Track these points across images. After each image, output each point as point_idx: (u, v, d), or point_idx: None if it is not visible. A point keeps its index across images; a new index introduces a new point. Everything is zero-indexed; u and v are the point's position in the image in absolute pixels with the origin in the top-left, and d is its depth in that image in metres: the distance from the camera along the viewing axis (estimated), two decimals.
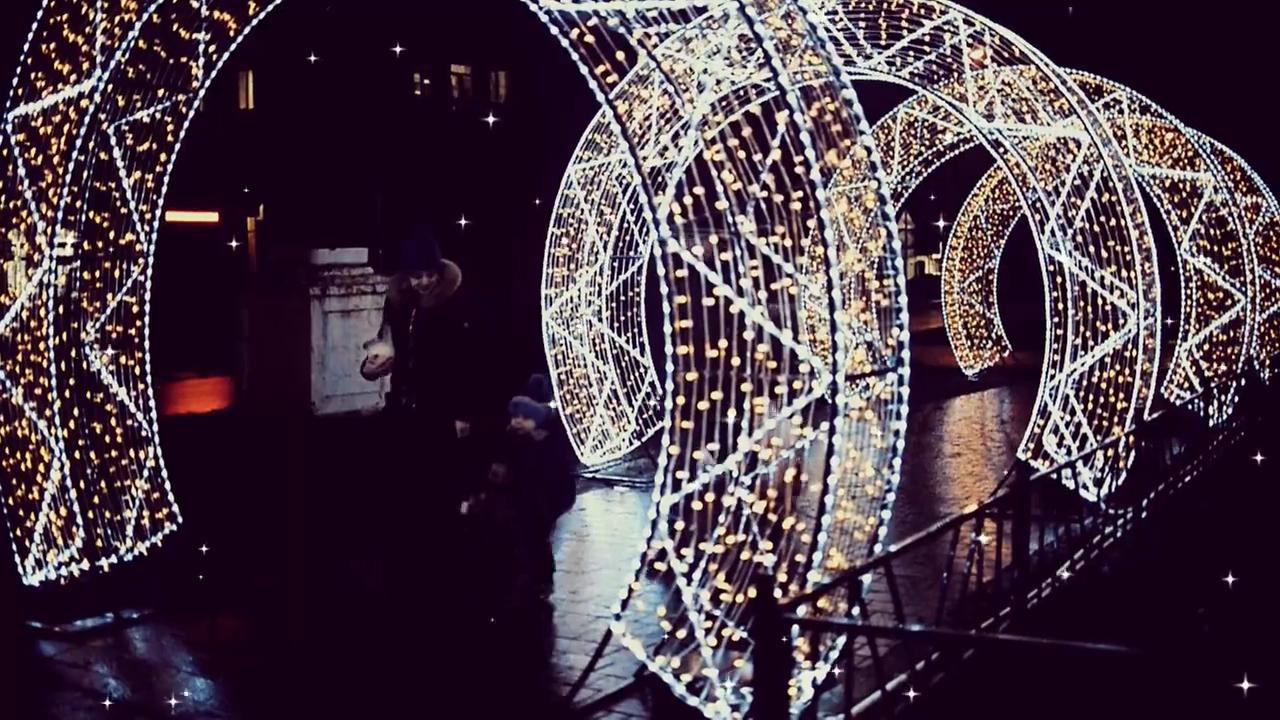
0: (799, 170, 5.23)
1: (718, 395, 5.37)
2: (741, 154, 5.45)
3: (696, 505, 5.42)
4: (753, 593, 4.99)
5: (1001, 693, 5.20)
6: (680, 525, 5.47)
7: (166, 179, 7.71)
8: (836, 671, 5.54)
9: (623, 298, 12.49)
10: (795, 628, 4.35)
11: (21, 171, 7.43)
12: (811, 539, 5.17)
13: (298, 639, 7.15)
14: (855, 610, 4.97)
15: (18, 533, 7.57)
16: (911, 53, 10.20)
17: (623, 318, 12.51)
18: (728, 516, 5.45)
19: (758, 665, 3.90)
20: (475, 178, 31.93)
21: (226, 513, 9.81)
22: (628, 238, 12.37)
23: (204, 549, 7.99)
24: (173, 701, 6.13)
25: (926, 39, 10.15)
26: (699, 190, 5.39)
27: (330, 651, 6.92)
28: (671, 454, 5.45)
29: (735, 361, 5.31)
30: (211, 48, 7.50)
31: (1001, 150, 10.89)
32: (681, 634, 5.55)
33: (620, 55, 5.77)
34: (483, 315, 8.47)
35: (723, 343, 5.34)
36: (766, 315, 5.24)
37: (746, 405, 5.31)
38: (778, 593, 4.64)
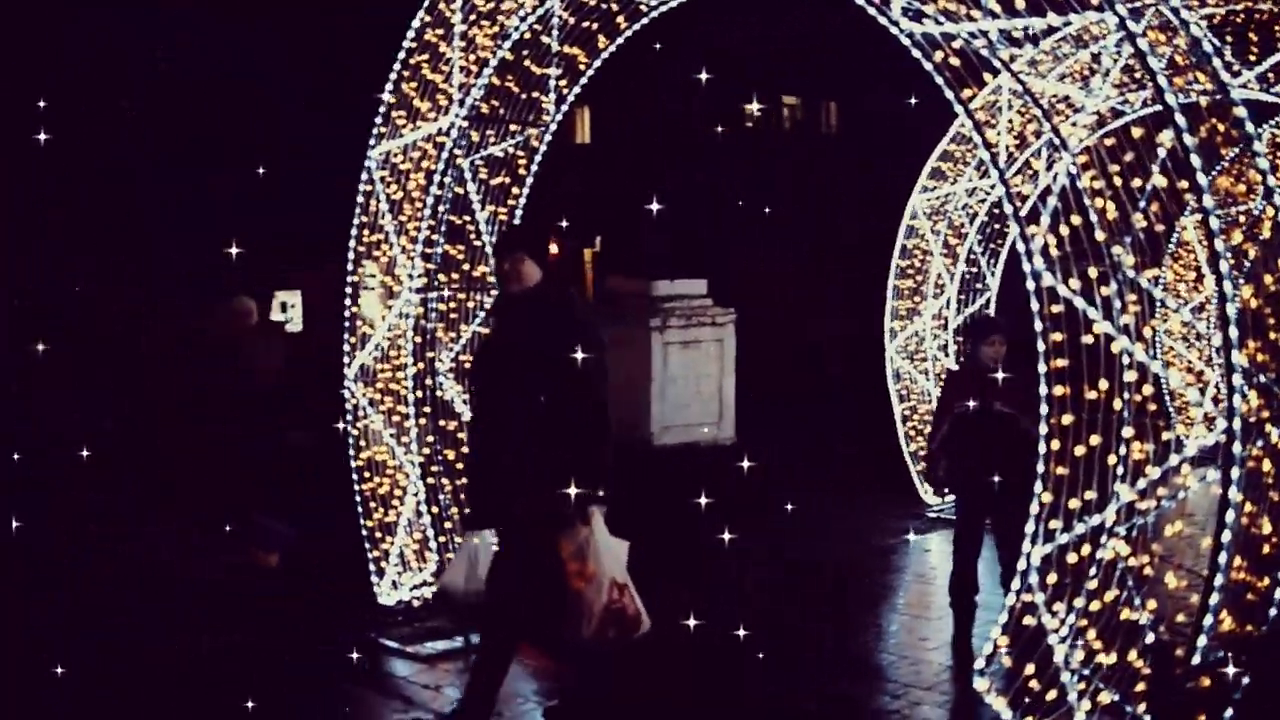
0: (1188, 196, 4.80)
1: (1096, 440, 4.97)
2: (1119, 180, 5.06)
3: (1071, 558, 5.04)
4: (1137, 661, 4.57)
5: None
6: (1053, 578, 5.09)
7: (519, 212, 7.83)
8: None
9: None
10: None
11: (384, 206, 7.68)
12: (1202, 600, 4.70)
13: (643, 676, 7.08)
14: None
15: (375, 554, 7.79)
16: None
17: None
18: (1102, 571, 5.04)
19: None
20: (806, 209, 31.74)
21: None
22: (975, 270, 11.93)
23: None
24: None
25: None
26: (1075, 220, 5.02)
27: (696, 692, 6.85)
28: (1044, 501, 5.08)
29: (1116, 404, 4.90)
30: (562, 82, 7.58)
31: None
32: (1051, 695, 5.16)
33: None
34: None
35: (1103, 384, 4.93)
36: (1150, 354, 4.82)
37: (1127, 451, 4.89)
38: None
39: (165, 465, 8.65)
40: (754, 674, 7.09)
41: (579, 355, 5.63)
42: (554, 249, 34.54)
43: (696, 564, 9.30)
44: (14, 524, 8.33)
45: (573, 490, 5.58)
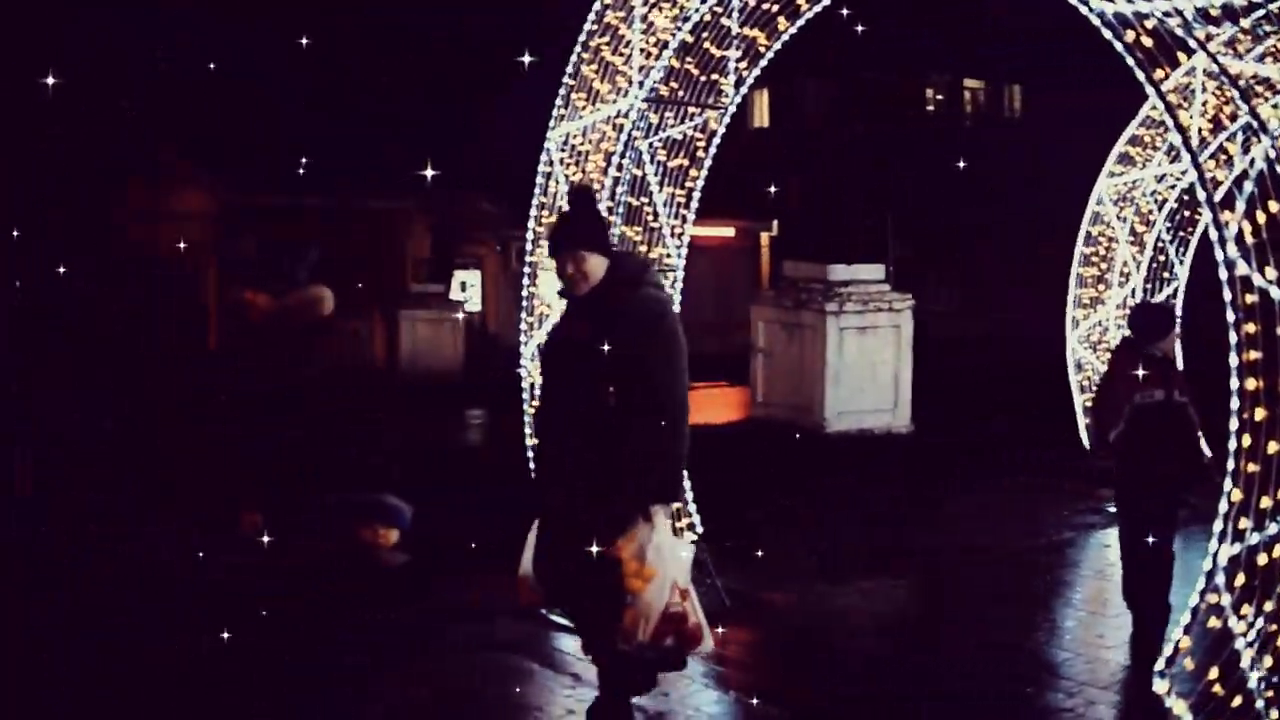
0: None
1: None
2: None
3: (1262, 559, 4.85)
4: None
5: None
6: (1241, 580, 4.91)
7: (697, 194, 7.84)
8: None
9: None
10: None
11: (563, 188, 7.76)
12: None
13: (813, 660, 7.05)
14: None
15: None
16: None
17: None
18: None
19: None
20: (986, 194, 31.11)
21: (737, 526, 9.92)
22: (1162, 258, 11.56)
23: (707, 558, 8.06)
24: (688, 713, 6.16)
25: None
26: (1273, 206, 4.82)
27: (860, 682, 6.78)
28: (1233, 500, 4.90)
29: None
30: (742, 64, 7.55)
31: None
32: (1236, 702, 4.98)
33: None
34: None
35: None
36: None
37: None
38: None
39: (166, 464, 8.57)
40: (923, 665, 7.00)
41: (645, 353, 5.39)
42: (730, 231, 34.50)
43: (868, 554, 9.21)
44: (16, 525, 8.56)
45: (634, 490, 5.36)
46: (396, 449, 10.99)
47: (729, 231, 34.92)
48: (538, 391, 6.36)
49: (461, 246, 29.57)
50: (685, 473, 5.73)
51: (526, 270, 7.94)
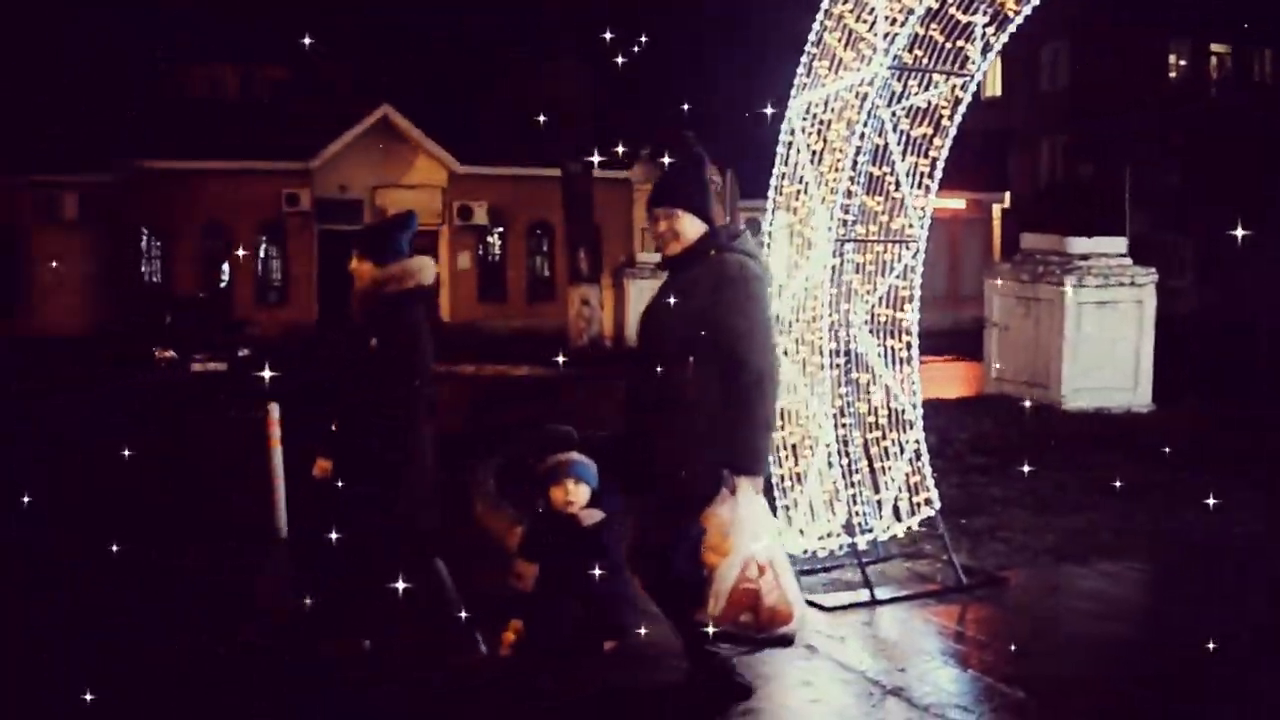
0: None
1: None
2: None
3: None
4: None
5: None
6: None
7: (940, 164, 7.69)
8: None
9: None
10: None
11: (805, 157, 7.71)
12: None
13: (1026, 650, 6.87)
14: None
15: (784, 503, 7.88)
16: None
17: None
18: None
19: None
20: (1237, 166, 29.75)
21: (972, 503, 9.75)
22: None
23: (946, 533, 7.94)
24: (925, 689, 6.08)
25: None
26: None
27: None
28: None
29: None
30: (990, 30, 7.36)
31: None
32: None
33: None
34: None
35: None
36: None
37: None
38: None
39: None
40: (1164, 652, 6.75)
41: (721, 315, 5.27)
42: (961, 203, 33.87)
43: (1110, 535, 8.93)
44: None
45: (713, 460, 5.26)
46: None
47: (959, 203, 34.27)
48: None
49: None
50: (766, 444, 5.45)
51: (765, 240, 7.92)
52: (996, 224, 36.70)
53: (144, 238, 32.71)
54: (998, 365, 15.64)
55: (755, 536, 5.21)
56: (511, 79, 33.34)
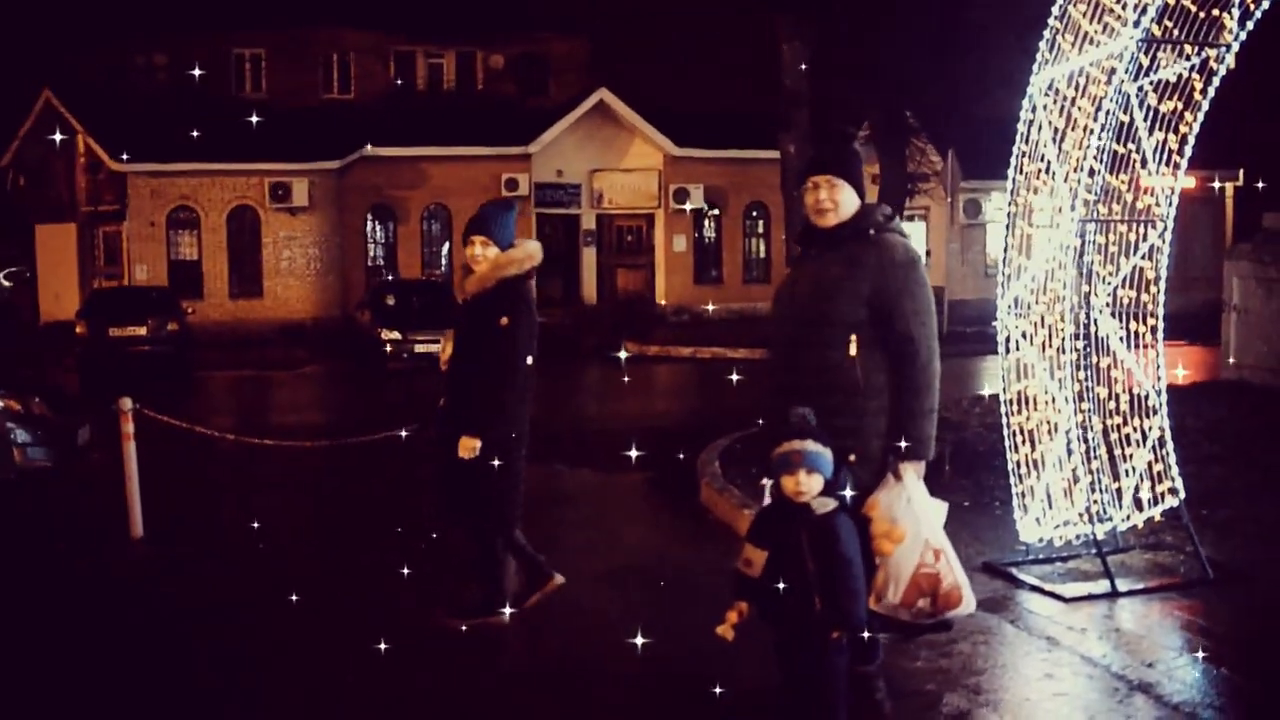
0: None
1: None
2: None
3: None
4: None
5: None
6: None
7: (1191, 140, 7.38)
8: None
9: None
10: None
11: (1047, 134, 7.48)
12: None
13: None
14: None
15: (1020, 489, 7.69)
16: None
17: None
18: None
19: None
20: None
21: (1215, 492, 9.34)
22: None
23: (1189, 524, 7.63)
24: (1174, 686, 5.86)
25: None
26: None
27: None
28: None
29: None
30: None
31: None
32: None
33: None
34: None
35: None
36: None
37: None
38: None
39: None
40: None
41: (896, 297, 5.14)
42: (1190, 181, 32.55)
43: None
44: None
45: (882, 446, 5.17)
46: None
47: (1189, 181, 32.91)
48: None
49: (911, 199, 29.19)
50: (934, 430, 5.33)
51: (1005, 220, 7.71)
52: (1229, 203, 35.15)
53: (368, 222, 33.74)
54: (1236, 350, 14.96)
55: (928, 521, 5.17)
56: (729, 59, 33.35)
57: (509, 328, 6.68)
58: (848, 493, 4.99)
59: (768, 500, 5.36)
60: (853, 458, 5.14)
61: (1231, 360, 15.04)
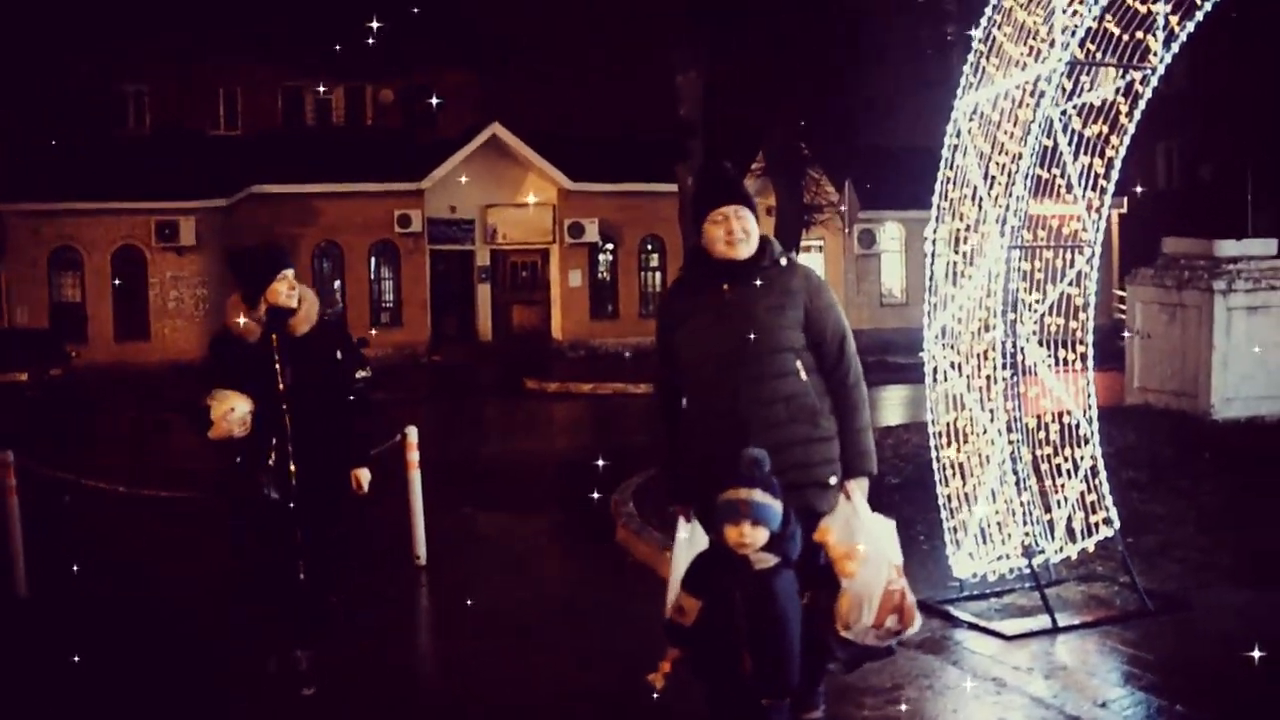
0: None
1: None
2: None
3: None
4: None
5: None
6: None
7: (1118, 164, 7.27)
8: None
9: None
10: None
11: (972, 160, 7.33)
12: None
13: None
14: None
15: (951, 523, 7.50)
16: None
17: None
18: None
19: None
20: None
21: (1136, 521, 9.25)
22: None
23: (1125, 554, 7.49)
24: None
25: None
26: None
27: None
28: None
29: None
30: (1173, 19, 6.92)
31: None
32: None
33: None
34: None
35: None
36: None
37: None
38: None
39: None
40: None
41: (828, 318, 5.19)
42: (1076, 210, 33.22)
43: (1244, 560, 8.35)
44: None
45: (830, 466, 5.16)
46: None
47: (1074, 209, 33.45)
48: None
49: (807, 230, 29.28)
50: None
51: (928, 249, 7.54)
52: (1114, 229, 35.79)
53: None
54: (1140, 375, 15.02)
55: (886, 538, 5.09)
56: (621, 94, 33.24)
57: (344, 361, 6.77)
58: (795, 546, 4.74)
59: (682, 533, 5.14)
60: (833, 480, 5.14)
61: (1136, 385, 15.08)
